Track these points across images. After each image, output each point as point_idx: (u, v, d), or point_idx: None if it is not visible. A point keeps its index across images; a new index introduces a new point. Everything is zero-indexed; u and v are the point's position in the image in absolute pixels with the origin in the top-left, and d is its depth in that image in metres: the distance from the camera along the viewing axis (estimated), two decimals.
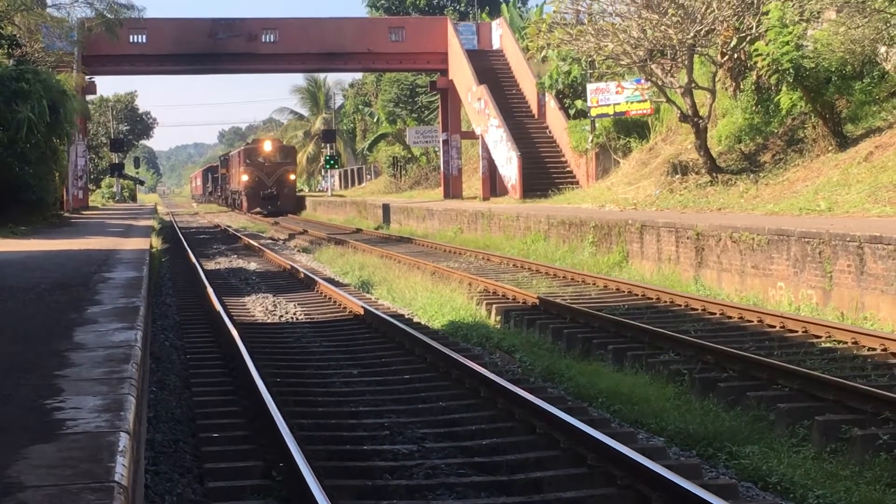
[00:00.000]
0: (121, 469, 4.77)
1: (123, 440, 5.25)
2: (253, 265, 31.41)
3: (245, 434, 10.65)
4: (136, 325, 9.47)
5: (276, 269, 29.95)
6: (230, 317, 17.99)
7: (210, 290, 21.62)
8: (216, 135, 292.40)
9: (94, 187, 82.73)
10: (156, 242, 29.17)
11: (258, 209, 74.22)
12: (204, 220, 72.00)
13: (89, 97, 60.60)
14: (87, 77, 52.41)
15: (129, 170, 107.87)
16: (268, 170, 75.56)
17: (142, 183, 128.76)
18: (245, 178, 76.24)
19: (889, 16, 23.26)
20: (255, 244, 39.47)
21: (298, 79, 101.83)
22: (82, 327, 9.47)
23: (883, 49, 27.80)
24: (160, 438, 10.55)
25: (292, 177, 78.78)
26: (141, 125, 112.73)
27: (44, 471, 4.77)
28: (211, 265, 31.41)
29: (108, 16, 46.19)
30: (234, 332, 15.65)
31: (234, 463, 9.67)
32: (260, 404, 11.09)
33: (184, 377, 13.95)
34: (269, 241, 44.92)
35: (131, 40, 52.13)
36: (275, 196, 74.99)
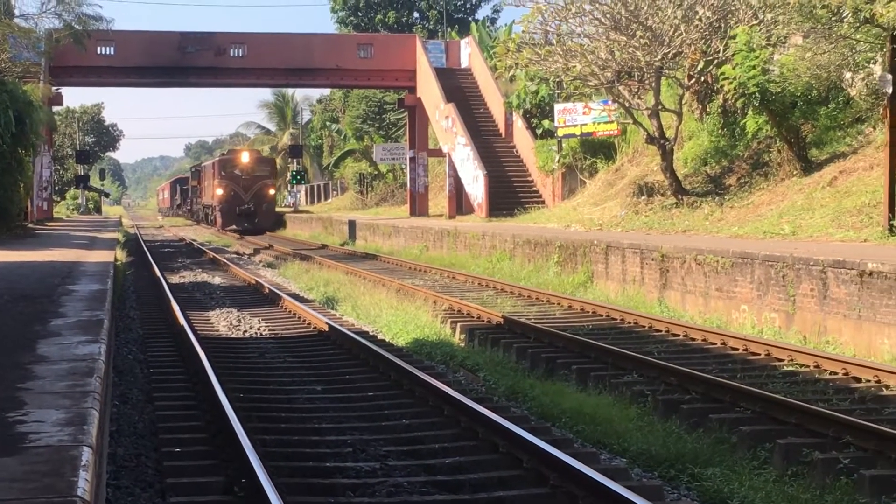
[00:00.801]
0: (83, 483, 4.76)
1: (86, 454, 5.23)
2: (217, 279, 31.34)
3: (207, 449, 10.61)
4: (100, 339, 9.42)
5: (240, 284, 29.88)
6: (194, 331, 17.92)
7: (174, 304, 21.54)
8: (182, 148, 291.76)
9: (59, 199, 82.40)
10: (120, 255, 29.04)
11: (233, 226, 68.12)
12: (169, 234, 71.76)
13: (56, 108, 60.40)
14: (54, 88, 52.14)
15: (95, 182, 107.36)
16: (245, 183, 68.87)
17: (107, 195, 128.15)
18: (220, 191, 69.36)
19: (855, 42, 23.43)
20: (221, 258, 39.38)
21: (266, 93, 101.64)
22: (46, 340, 9.42)
23: (848, 75, 28.01)
24: (122, 452, 10.50)
25: (272, 191, 71.97)
26: (107, 137, 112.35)
27: (6, 484, 4.74)
28: (175, 279, 31.31)
29: (77, 27, 46.02)
30: (198, 347, 15.60)
31: (195, 478, 9.63)
32: (223, 419, 11.05)
33: (147, 391, 13.89)
34: (235, 255, 44.82)
35: (99, 52, 51.90)
36: (252, 212, 68.35)
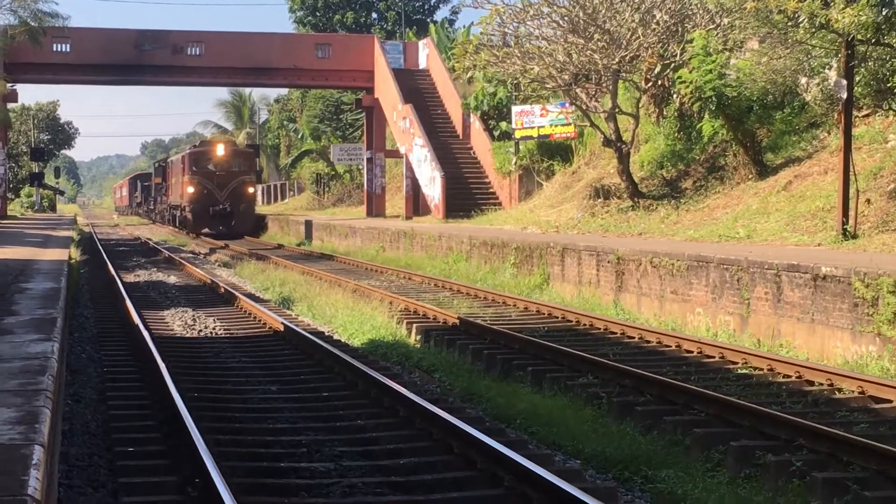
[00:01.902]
0: (34, 482, 4.72)
1: (38, 453, 5.20)
2: (173, 279, 31.19)
3: (161, 449, 10.56)
4: (53, 337, 9.36)
5: (196, 284, 29.74)
6: (148, 330, 17.84)
7: (129, 303, 21.43)
8: (139, 146, 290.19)
9: (13, 196, 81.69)
10: (75, 254, 28.87)
11: (206, 229, 59.52)
12: (124, 233, 71.31)
13: (11, 105, 59.89)
14: (9, 85, 51.78)
15: (50, 179, 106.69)
16: (220, 180, 59.29)
17: (62, 193, 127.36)
18: (190, 189, 59.58)
19: (810, 47, 23.57)
20: (176, 257, 39.17)
21: (223, 92, 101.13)
22: None
23: (803, 80, 28.17)
24: (75, 452, 10.43)
25: (251, 189, 61.64)
26: (62, 135, 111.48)
27: None
28: (130, 277, 31.13)
29: (32, 23, 45.73)
30: (152, 346, 15.52)
31: (149, 478, 9.57)
32: (177, 419, 11.00)
33: (100, 390, 13.80)
34: (190, 254, 44.60)
35: (55, 49, 51.59)
36: (228, 214, 58.98)
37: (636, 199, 31.70)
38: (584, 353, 15.65)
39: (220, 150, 60.58)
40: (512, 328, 18.92)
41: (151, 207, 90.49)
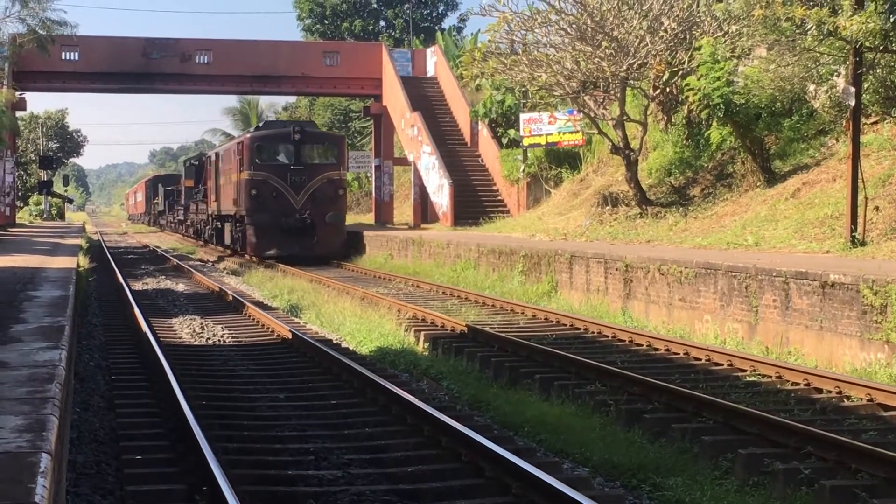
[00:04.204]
0: (41, 490, 4.72)
1: (45, 461, 5.20)
2: (181, 286, 31.21)
3: (169, 457, 10.56)
4: (61, 345, 9.37)
5: (204, 291, 29.77)
6: (157, 338, 17.86)
7: (137, 311, 21.45)
8: (147, 154, 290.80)
9: (22, 204, 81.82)
10: (83, 261, 28.90)
11: (274, 251, 40.50)
12: (133, 241, 71.33)
13: (19, 113, 59.93)
14: (18, 93, 51.80)
15: (58, 187, 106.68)
16: (296, 177, 41.27)
17: (70, 201, 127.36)
18: (253, 191, 40.99)
19: (818, 55, 23.55)
20: (184, 265, 39.23)
21: (231, 100, 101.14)
22: (6, 346, 9.36)
23: (812, 87, 28.15)
24: (82, 460, 10.44)
25: (340, 191, 42.85)
26: (71, 143, 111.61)
27: None
28: (138, 286, 31.16)
29: (41, 32, 45.73)
30: (161, 354, 15.54)
31: (156, 486, 9.58)
32: (185, 427, 11.01)
33: (108, 398, 13.81)
34: (199, 262, 44.60)
35: (63, 57, 51.69)
36: (309, 227, 40.74)
37: (644, 207, 31.68)
38: (592, 361, 15.63)
39: (297, 132, 42.06)
40: (520, 336, 18.89)
41: (181, 219, 71.16)
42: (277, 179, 40.95)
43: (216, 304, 26.39)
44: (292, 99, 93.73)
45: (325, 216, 40.79)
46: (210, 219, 52.82)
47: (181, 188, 70.75)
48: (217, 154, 50.58)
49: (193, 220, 62.12)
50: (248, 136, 43.19)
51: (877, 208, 22.38)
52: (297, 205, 40.79)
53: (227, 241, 46.57)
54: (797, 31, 22.63)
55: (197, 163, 62.02)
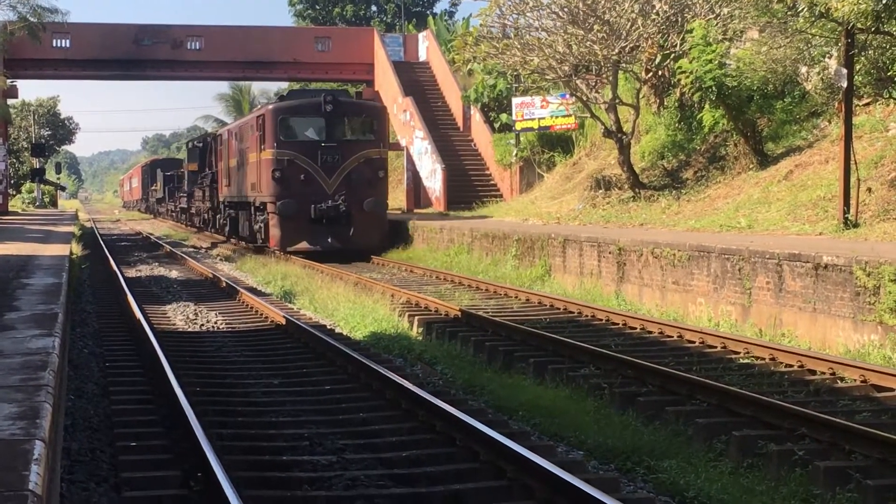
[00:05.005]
0: (35, 477, 4.72)
1: (38, 448, 5.19)
2: (175, 273, 31.19)
3: (163, 443, 10.56)
4: (55, 332, 9.36)
5: (197, 278, 29.75)
6: (150, 325, 17.84)
7: (130, 298, 21.43)
8: (140, 141, 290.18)
9: (15, 192, 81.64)
10: (76, 249, 28.86)
11: (304, 244, 34.96)
12: (126, 228, 71.26)
13: (11, 101, 59.83)
14: (9, 81, 51.72)
15: (51, 175, 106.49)
16: (328, 156, 35.24)
17: (63, 189, 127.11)
18: (277, 173, 34.88)
19: (810, 36, 23.55)
20: (178, 252, 39.20)
21: (223, 86, 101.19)
22: None
23: (804, 69, 28.15)
24: (77, 447, 10.43)
25: (381, 173, 36.59)
26: (63, 130, 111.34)
27: None
28: (132, 272, 31.14)
29: (31, 19, 45.59)
30: (154, 340, 15.53)
31: (151, 472, 9.59)
32: (179, 413, 11.01)
33: (102, 385, 13.81)
34: (192, 249, 44.58)
35: (55, 44, 51.60)
36: (343, 216, 34.82)
37: (637, 190, 31.67)
38: (585, 345, 15.64)
39: (328, 105, 35.53)
40: (514, 320, 18.91)
41: (184, 207, 63.87)
42: (305, 159, 34.95)
43: (210, 290, 26.38)
44: (284, 85, 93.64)
45: (363, 203, 34.80)
46: (221, 206, 46.18)
47: (184, 173, 63.77)
48: (229, 131, 44.27)
49: (199, 209, 55.09)
50: (271, 107, 36.82)
51: (869, 190, 22.39)
52: (330, 189, 34.89)
53: (244, 231, 40.56)
54: (789, 12, 22.63)
55: (202, 144, 55.56)
